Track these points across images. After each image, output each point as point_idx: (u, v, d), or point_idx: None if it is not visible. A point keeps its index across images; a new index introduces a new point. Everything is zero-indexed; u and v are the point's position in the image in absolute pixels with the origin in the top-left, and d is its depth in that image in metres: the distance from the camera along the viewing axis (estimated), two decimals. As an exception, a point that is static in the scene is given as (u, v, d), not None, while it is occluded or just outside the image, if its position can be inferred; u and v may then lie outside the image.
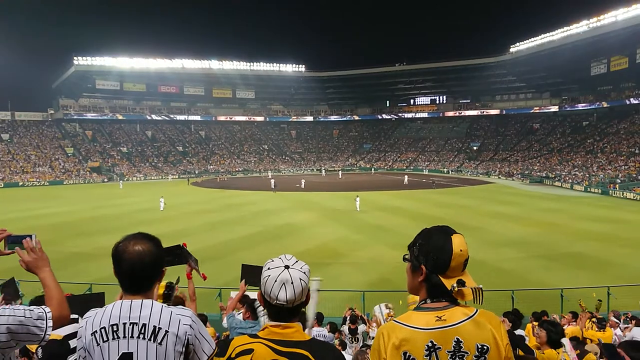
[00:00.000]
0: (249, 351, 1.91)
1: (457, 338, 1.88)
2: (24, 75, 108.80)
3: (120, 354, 2.02)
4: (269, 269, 2.00)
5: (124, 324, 2.05)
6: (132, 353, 2.02)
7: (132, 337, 2.04)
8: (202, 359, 2.13)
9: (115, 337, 2.04)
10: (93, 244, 24.03)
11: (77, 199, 48.30)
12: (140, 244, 2.14)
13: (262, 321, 4.48)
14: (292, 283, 1.96)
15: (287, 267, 1.99)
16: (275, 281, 1.95)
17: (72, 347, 4.03)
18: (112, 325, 2.05)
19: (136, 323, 2.05)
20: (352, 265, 20.71)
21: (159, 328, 2.05)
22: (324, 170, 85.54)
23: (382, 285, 16.90)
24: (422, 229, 2.11)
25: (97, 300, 4.15)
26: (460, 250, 1.95)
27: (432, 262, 1.97)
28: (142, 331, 2.04)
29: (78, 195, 52.55)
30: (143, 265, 2.12)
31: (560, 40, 71.72)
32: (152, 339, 2.04)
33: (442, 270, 1.96)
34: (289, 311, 1.99)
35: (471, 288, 1.92)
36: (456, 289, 1.91)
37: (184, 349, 2.08)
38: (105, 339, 2.03)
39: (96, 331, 2.05)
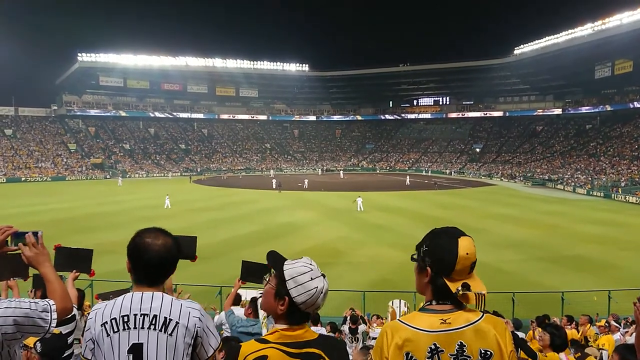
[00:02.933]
0: (263, 358, 1.89)
1: (460, 342, 1.87)
2: (28, 71, 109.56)
3: (130, 344, 2.03)
4: (312, 279, 1.99)
5: (135, 315, 2.07)
6: (142, 344, 2.03)
7: (142, 327, 2.05)
8: (208, 352, 2.15)
9: (126, 327, 2.05)
10: (94, 240, 24.02)
11: (79, 195, 48.41)
12: (163, 238, 2.19)
13: (261, 318, 4.49)
14: (327, 291, 2.03)
15: (324, 275, 2.03)
16: (322, 292, 1.99)
17: (69, 342, 4.03)
18: (122, 317, 2.06)
19: (147, 314, 2.07)
20: (353, 264, 20.71)
21: (170, 319, 2.08)
22: (320, 170, 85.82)
23: (383, 286, 16.91)
24: (431, 230, 2.08)
25: (85, 255, 4.13)
26: (467, 254, 1.91)
27: (438, 264, 1.95)
28: (153, 322, 2.06)
29: (80, 191, 52.67)
30: (170, 258, 2.18)
31: (565, 43, 71.62)
32: (162, 330, 2.06)
33: (447, 272, 1.93)
34: (310, 314, 2.04)
35: (475, 293, 1.90)
36: (460, 292, 1.89)
37: (192, 341, 2.11)
38: (115, 329, 2.05)
39: (106, 322, 2.06)
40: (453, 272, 1.92)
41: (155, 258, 2.15)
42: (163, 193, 39.54)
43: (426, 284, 2.01)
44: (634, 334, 2.40)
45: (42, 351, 3.22)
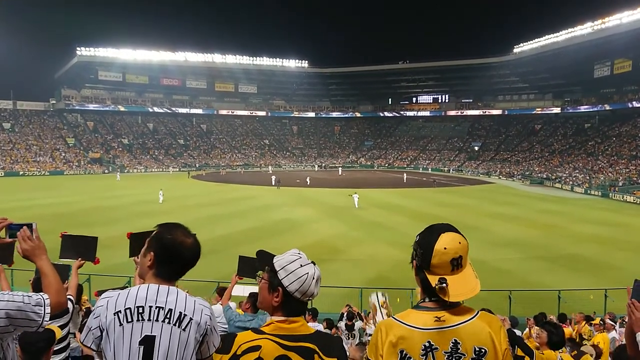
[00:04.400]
0: (256, 348, 1.90)
1: (454, 339, 1.88)
2: (27, 65, 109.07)
3: (142, 336, 2.04)
4: (301, 266, 2.02)
5: (150, 307, 2.07)
6: (154, 336, 2.04)
7: (156, 320, 2.06)
8: (210, 350, 2.18)
9: (140, 319, 2.05)
10: (92, 235, 24.00)
11: (78, 189, 48.33)
12: (191, 236, 2.26)
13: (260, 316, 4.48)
14: (320, 278, 2.04)
15: (314, 263, 2.05)
16: (314, 278, 2.01)
17: (60, 337, 3.98)
18: (137, 307, 2.07)
19: (162, 307, 2.08)
20: (351, 262, 20.73)
21: (185, 315, 2.10)
22: (316, 166, 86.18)
23: (380, 283, 16.91)
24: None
25: (90, 243, 4.12)
26: (444, 248, 1.91)
27: (419, 257, 1.98)
28: (168, 316, 2.08)
29: (78, 185, 52.58)
30: (197, 256, 2.25)
31: (564, 42, 71.64)
32: (177, 324, 2.08)
33: (426, 265, 1.95)
34: (306, 304, 2.05)
35: (438, 286, 1.90)
36: (437, 287, 1.90)
37: (201, 338, 2.14)
38: (129, 319, 2.05)
39: (120, 311, 2.06)
40: (431, 265, 1.93)
41: (189, 256, 2.21)
42: (160, 189, 39.45)
43: (416, 277, 2.03)
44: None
45: (20, 346, 3.17)
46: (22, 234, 2.34)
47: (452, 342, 1.88)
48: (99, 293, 5.89)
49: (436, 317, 1.91)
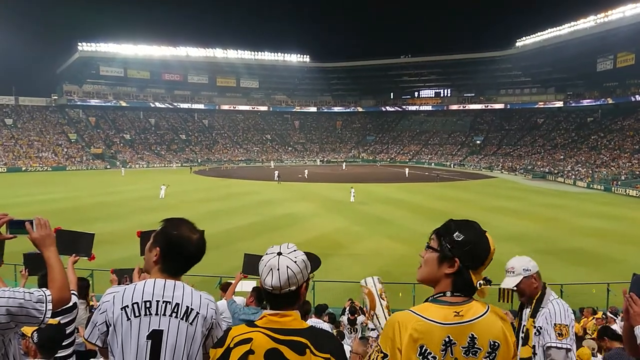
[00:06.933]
0: (248, 340, 1.91)
1: (471, 334, 1.87)
2: (28, 61, 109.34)
3: (150, 330, 2.06)
4: (266, 254, 2.04)
5: (157, 301, 2.10)
6: (162, 330, 2.07)
7: (164, 314, 2.09)
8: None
9: (147, 313, 2.08)
10: (94, 231, 24.00)
11: (80, 185, 48.40)
12: (197, 232, 2.29)
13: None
14: (278, 270, 1.96)
15: (279, 254, 2.01)
16: (265, 266, 1.99)
17: (67, 332, 4.02)
18: (145, 302, 2.09)
19: (169, 302, 2.11)
20: (353, 256, 20.74)
21: (191, 309, 2.13)
22: (318, 161, 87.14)
23: (382, 278, 16.82)
24: (451, 220, 2.08)
25: (86, 239, 4.10)
26: (493, 249, 1.99)
27: (469, 257, 1.95)
28: (175, 310, 2.10)
29: (80, 181, 52.66)
30: (202, 251, 2.28)
31: (567, 35, 71.30)
32: (184, 318, 2.11)
33: (476, 266, 1.96)
34: (281, 298, 2.00)
35: (499, 288, 1.93)
36: (482, 286, 1.91)
37: (207, 332, 2.17)
38: (136, 314, 2.07)
39: (127, 306, 2.08)
40: (482, 265, 1.97)
41: (193, 250, 2.23)
42: (162, 184, 39.43)
43: (446, 275, 1.97)
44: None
45: (39, 342, 3.23)
46: (37, 222, 2.36)
47: (469, 337, 1.87)
48: (115, 271, 5.91)
49: (455, 312, 1.90)
